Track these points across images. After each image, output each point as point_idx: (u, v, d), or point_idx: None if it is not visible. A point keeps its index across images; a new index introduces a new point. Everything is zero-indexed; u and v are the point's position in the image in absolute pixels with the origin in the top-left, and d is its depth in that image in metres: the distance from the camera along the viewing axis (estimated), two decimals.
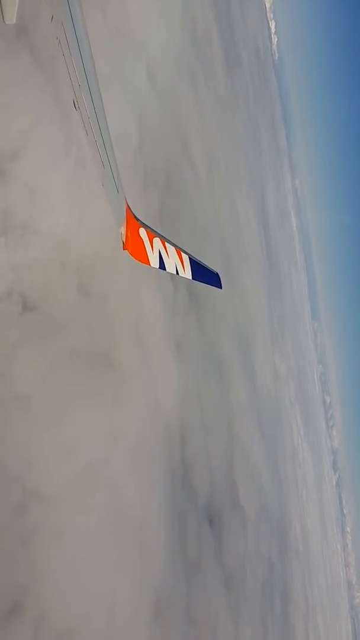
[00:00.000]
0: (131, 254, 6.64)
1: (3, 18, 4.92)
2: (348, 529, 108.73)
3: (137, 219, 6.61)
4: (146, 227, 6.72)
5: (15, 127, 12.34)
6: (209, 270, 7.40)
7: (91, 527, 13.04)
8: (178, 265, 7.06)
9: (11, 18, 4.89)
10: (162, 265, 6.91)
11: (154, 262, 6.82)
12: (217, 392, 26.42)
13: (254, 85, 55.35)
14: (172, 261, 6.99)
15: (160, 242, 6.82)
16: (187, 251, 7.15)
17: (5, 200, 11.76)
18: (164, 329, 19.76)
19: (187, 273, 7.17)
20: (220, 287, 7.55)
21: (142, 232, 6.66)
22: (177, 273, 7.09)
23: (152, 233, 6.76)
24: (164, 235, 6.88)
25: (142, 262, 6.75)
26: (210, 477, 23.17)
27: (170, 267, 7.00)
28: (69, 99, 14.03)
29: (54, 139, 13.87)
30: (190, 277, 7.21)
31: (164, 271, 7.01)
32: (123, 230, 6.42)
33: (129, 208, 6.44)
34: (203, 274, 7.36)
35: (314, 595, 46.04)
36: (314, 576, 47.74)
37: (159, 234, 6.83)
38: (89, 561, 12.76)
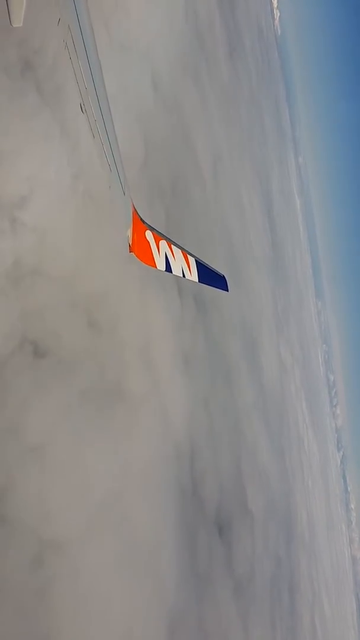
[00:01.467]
0: (137, 257, 6.61)
1: (10, 21, 5.01)
2: (352, 506, 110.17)
3: (144, 222, 6.57)
4: (153, 229, 6.67)
5: (23, 173, 12.14)
6: (215, 272, 7.34)
7: (106, 563, 13.23)
8: (184, 268, 6.98)
9: (18, 21, 5.00)
10: (168, 268, 6.84)
11: (161, 265, 6.77)
12: (225, 398, 26.50)
13: (257, 67, 54.31)
14: (179, 264, 6.92)
15: (166, 244, 6.77)
16: (194, 253, 7.08)
17: (16, 251, 11.64)
18: (172, 346, 19.72)
19: (193, 276, 7.11)
20: (227, 290, 7.45)
21: (149, 234, 6.61)
22: (184, 276, 7.02)
23: (159, 235, 6.71)
24: (171, 238, 6.81)
25: (148, 265, 6.70)
26: (219, 486, 23.39)
27: (176, 270, 6.93)
28: (76, 130, 13.78)
29: (62, 176, 13.67)
30: (197, 280, 7.16)
31: (171, 274, 6.95)
32: (130, 232, 6.39)
33: (136, 210, 6.41)
34: (209, 276, 7.31)
35: (320, 580, 46.83)
36: (319, 561, 48.50)
37: (165, 236, 6.78)
38: (106, 597, 12.97)
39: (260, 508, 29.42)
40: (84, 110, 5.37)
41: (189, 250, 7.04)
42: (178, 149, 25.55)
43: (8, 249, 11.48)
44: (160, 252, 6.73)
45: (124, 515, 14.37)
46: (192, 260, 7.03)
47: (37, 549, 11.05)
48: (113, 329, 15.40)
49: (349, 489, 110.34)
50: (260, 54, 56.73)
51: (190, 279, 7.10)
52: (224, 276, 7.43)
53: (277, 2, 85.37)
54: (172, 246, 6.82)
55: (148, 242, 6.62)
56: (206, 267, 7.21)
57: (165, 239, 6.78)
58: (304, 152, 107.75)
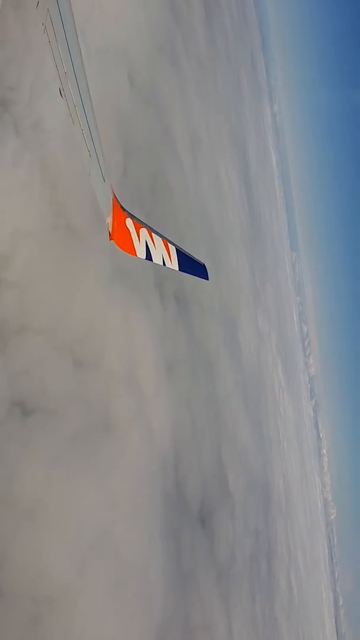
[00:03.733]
0: (117, 245, 6.60)
1: None
2: (324, 451, 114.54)
3: (124, 209, 6.54)
4: (133, 217, 6.64)
5: (6, 230, 11.71)
6: (196, 261, 7.38)
7: (99, 600, 13.62)
8: (165, 256, 6.99)
9: None
10: (148, 256, 6.84)
11: (141, 253, 6.77)
12: (206, 390, 26.80)
13: (233, 23, 52.18)
14: (159, 252, 6.92)
15: (147, 232, 6.75)
16: (173, 241, 7.13)
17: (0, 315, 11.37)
18: (155, 359, 19.71)
19: (173, 264, 7.13)
20: (207, 279, 7.53)
21: (129, 222, 6.59)
22: (164, 264, 7.05)
23: (139, 223, 6.69)
24: (151, 226, 6.81)
25: (128, 253, 6.70)
26: (202, 481, 23.97)
27: (157, 258, 6.94)
28: (56, 164, 13.33)
29: (43, 219, 13.23)
30: (177, 268, 7.18)
31: (151, 262, 6.96)
32: (109, 220, 6.36)
33: (116, 198, 6.36)
34: (190, 265, 7.34)
35: (295, 539, 49.04)
36: (295, 521, 50.63)
37: (145, 224, 6.76)
38: (99, 630, 13.44)
39: (240, 489, 30.34)
40: (63, 95, 5.32)
41: (169, 238, 7.03)
42: (155, 139, 24.78)
43: None
44: (140, 240, 6.70)
45: (113, 547, 14.71)
46: (172, 249, 7.02)
47: (33, 610, 11.31)
48: (98, 363, 15.31)
49: (321, 435, 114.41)
50: (236, 10, 54.43)
51: (171, 267, 7.10)
52: (204, 265, 7.46)
53: None
54: (153, 234, 6.80)
55: (128, 229, 6.60)
56: (187, 255, 7.23)
57: (146, 227, 6.74)
58: (279, 99, 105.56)
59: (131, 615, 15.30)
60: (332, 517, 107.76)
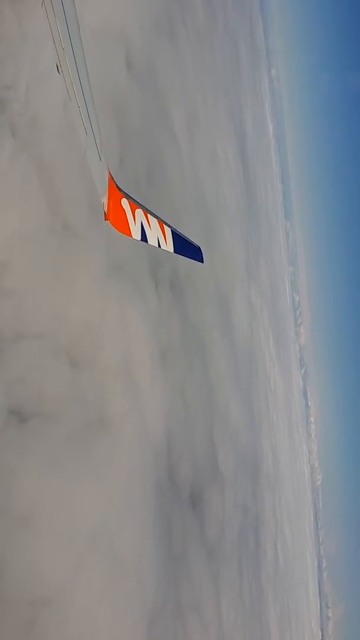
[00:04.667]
0: (113, 225, 6.53)
1: None
2: (312, 419, 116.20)
3: (120, 189, 6.49)
4: (129, 197, 6.60)
5: (3, 236, 11.56)
6: (191, 243, 7.37)
7: (94, 595, 13.98)
8: (160, 237, 6.98)
9: None
10: (144, 237, 6.82)
11: (136, 234, 6.73)
12: (200, 373, 26.96)
13: None
14: (155, 233, 6.91)
15: (142, 213, 6.73)
16: (169, 223, 7.14)
17: None
18: (150, 349, 19.76)
19: (169, 246, 7.12)
20: (202, 261, 7.53)
21: (125, 202, 6.54)
22: (159, 246, 7.02)
23: (135, 204, 6.66)
24: (147, 207, 6.79)
25: (123, 233, 6.66)
26: (193, 463, 24.33)
27: (152, 239, 6.93)
28: (53, 164, 13.12)
29: (40, 220, 13.05)
30: (172, 250, 7.19)
31: (146, 243, 6.94)
32: (105, 200, 6.28)
33: (112, 178, 6.31)
34: (185, 247, 7.34)
35: (282, 509, 50.12)
36: (282, 492, 51.68)
37: (141, 205, 6.73)
38: (94, 625, 13.85)
39: (230, 467, 30.82)
40: (60, 72, 5.23)
41: (165, 220, 7.01)
42: (152, 120, 24.28)
43: None
44: (136, 220, 6.66)
45: (108, 542, 15.02)
46: (168, 231, 7.02)
47: (30, 612, 11.62)
48: (94, 361, 15.34)
49: (309, 404, 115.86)
50: None
51: (166, 248, 7.08)
52: (199, 247, 7.46)
53: None
54: (149, 215, 6.77)
55: (124, 210, 6.54)
56: (182, 237, 7.21)
57: (142, 208, 6.70)
58: (277, 63, 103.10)
59: (124, 605, 15.74)
60: (318, 482, 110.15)
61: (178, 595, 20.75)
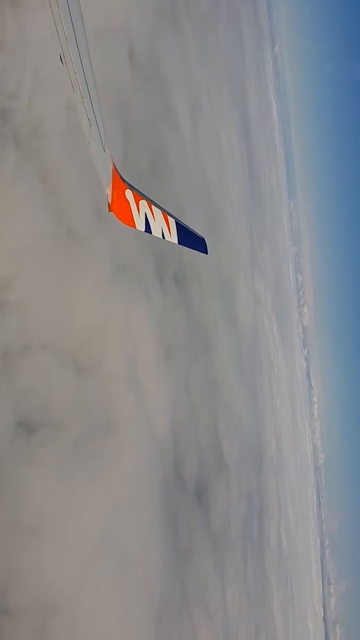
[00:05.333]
0: (117, 216, 6.56)
1: None
2: (315, 399, 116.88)
3: (124, 180, 6.48)
4: (133, 188, 6.58)
5: (9, 249, 11.50)
6: (195, 234, 7.27)
7: (101, 598, 14.21)
8: (164, 229, 6.93)
9: None
10: (147, 229, 6.81)
11: (140, 225, 6.72)
12: (204, 365, 27.03)
13: None
14: (159, 225, 6.86)
15: (146, 204, 6.70)
16: (173, 214, 7.04)
17: (2, 338, 11.30)
18: (155, 348, 19.78)
19: (173, 237, 7.06)
20: (206, 253, 7.38)
21: (129, 193, 6.53)
22: (163, 237, 6.99)
23: (139, 195, 6.63)
24: (151, 198, 6.76)
25: (127, 225, 6.66)
26: (199, 457, 24.53)
27: (156, 231, 6.89)
28: (58, 174, 13.00)
29: (45, 231, 12.96)
30: (176, 242, 7.13)
31: (150, 234, 6.89)
32: (109, 191, 6.30)
33: (116, 168, 6.30)
34: (189, 238, 7.25)
35: (286, 493, 50.67)
36: (285, 475, 52.18)
37: (145, 196, 6.70)
38: (103, 626, 14.10)
39: (234, 457, 31.10)
40: (63, 62, 5.21)
41: (169, 211, 6.93)
42: (152, 104, 23.93)
43: None
44: (140, 212, 6.64)
45: (115, 545, 15.22)
46: (172, 222, 6.94)
47: (39, 622, 11.80)
48: (100, 365, 15.36)
49: (312, 384, 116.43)
50: None
51: (170, 240, 7.04)
52: (203, 238, 7.35)
53: None
54: (152, 206, 6.72)
55: (128, 201, 6.53)
56: (186, 228, 7.13)
57: (146, 199, 6.66)
58: (280, 39, 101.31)
59: (132, 604, 16.00)
60: (321, 461, 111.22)
61: (184, 588, 21.07)
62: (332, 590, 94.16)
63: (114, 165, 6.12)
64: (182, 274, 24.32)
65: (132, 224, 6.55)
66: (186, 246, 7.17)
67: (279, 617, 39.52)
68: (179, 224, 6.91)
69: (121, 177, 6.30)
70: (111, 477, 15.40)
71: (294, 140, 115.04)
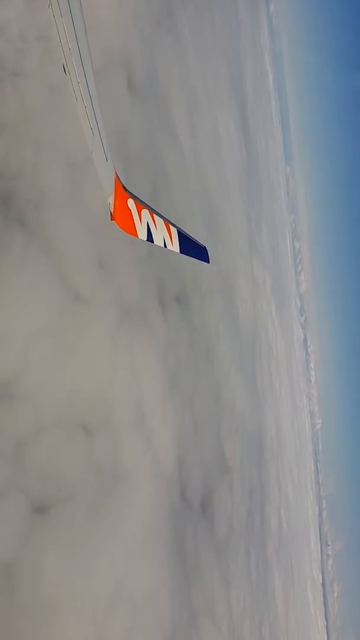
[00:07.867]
0: (119, 225, 6.62)
1: None
2: (312, 366, 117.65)
3: (126, 189, 6.57)
4: (135, 198, 6.68)
5: (19, 340, 11.29)
6: (197, 243, 7.44)
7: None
8: (166, 238, 7.04)
9: None
10: (150, 238, 6.89)
11: (142, 234, 6.79)
12: (207, 377, 27.05)
13: None
14: (160, 234, 6.97)
15: (149, 214, 6.80)
16: (174, 222, 7.19)
17: (16, 432, 11.25)
18: (160, 383, 19.72)
19: (174, 246, 7.18)
20: (208, 261, 7.57)
21: (131, 202, 6.61)
22: (165, 246, 7.09)
23: (141, 204, 6.73)
24: (153, 207, 6.87)
25: (129, 234, 6.72)
26: (203, 471, 24.81)
27: (158, 240, 7.00)
28: (62, 251, 12.75)
29: (53, 308, 12.73)
30: (178, 251, 7.25)
31: (152, 243, 6.97)
32: (111, 200, 6.38)
33: (118, 178, 6.39)
34: (191, 247, 7.39)
35: (285, 473, 51.49)
36: (285, 454, 52.90)
37: (147, 205, 6.81)
38: None
39: (236, 458, 31.42)
40: (66, 72, 5.29)
41: (171, 220, 7.03)
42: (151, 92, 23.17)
43: (9, 435, 11.07)
44: (142, 221, 6.69)
45: (129, 596, 15.52)
46: (174, 231, 7.05)
47: None
48: (107, 422, 15.34)
49: (309, 350, 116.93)
50: None
51: (172, 249, 7.11)
52: (205, 247, 7.49)
53: None
54: (154, 215, 6.81)
55: (130, 210, 6.57)
56: (188, 237, 7.25)
57: (148, 208, 6.74)
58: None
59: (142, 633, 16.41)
60: (318, 427, 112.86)
61: (192, 604, 21.62)
62: (329, 552, 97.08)
63: (116, 174, 6.13)
64: (184, 290, 24.07)
65: (134, 232, 6.57)
66: (188, 255, 7.26)
67: (280, 601, 40.79)
68: (181, 233, 7.01)
69: (123, 186, 6.32)
70: (122, 529, 15.58)
71: (290, 105, 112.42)
